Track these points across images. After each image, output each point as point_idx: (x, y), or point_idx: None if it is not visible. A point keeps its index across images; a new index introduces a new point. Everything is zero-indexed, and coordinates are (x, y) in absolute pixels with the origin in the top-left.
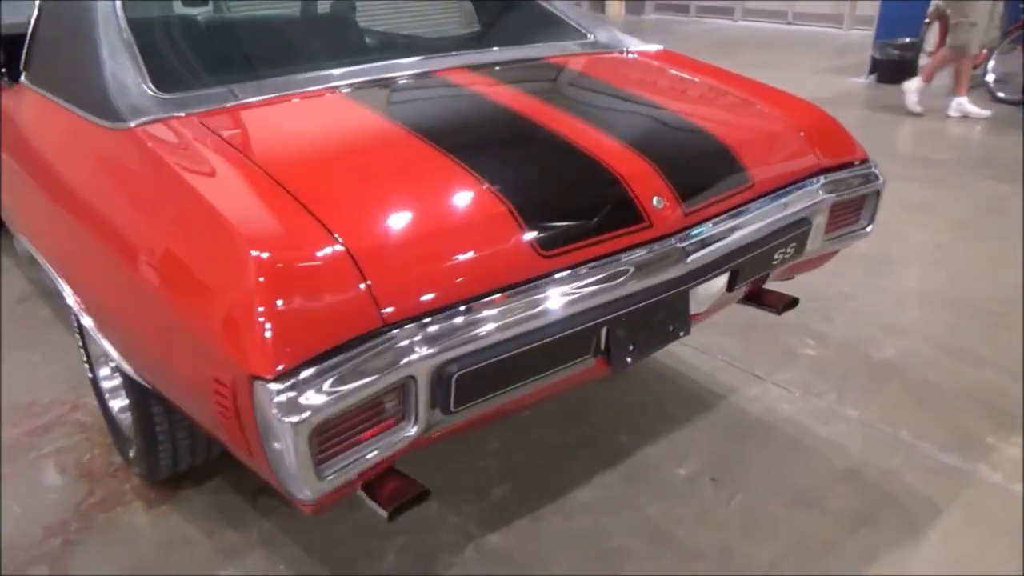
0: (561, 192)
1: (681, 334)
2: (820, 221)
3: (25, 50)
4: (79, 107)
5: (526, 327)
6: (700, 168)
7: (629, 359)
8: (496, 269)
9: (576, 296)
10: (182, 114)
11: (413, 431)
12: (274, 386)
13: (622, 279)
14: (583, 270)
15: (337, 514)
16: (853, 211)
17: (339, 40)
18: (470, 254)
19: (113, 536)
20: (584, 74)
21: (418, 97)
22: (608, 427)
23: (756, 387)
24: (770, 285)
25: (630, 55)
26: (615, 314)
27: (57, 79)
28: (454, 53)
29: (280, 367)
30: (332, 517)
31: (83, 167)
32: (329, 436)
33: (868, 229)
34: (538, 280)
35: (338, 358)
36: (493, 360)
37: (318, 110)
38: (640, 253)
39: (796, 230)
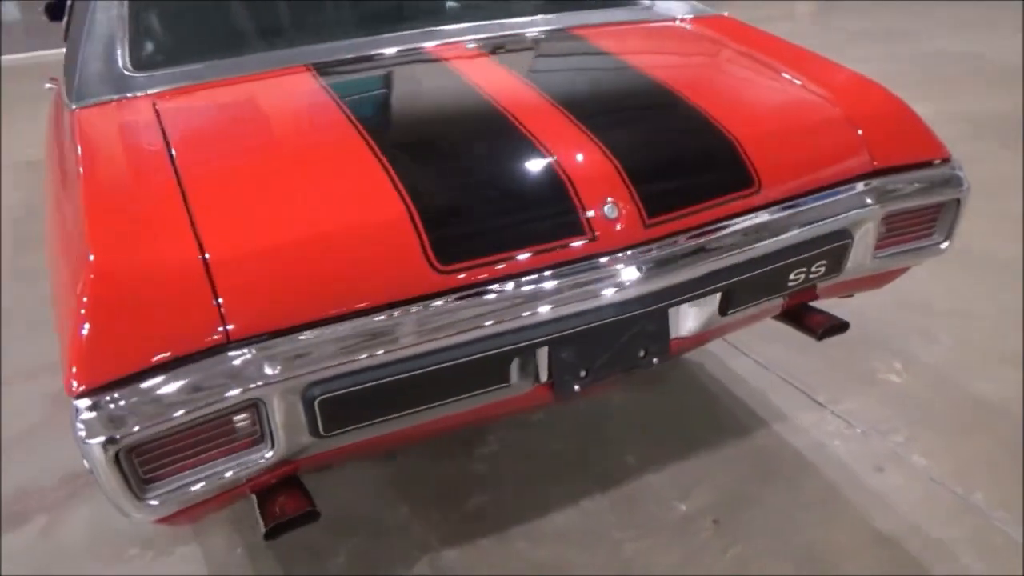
0: (484, 195)
1: (655, 361)
2: (868, 234)
3: None
4: (64, 89)
5: (408, 351)
6: (683, 169)
7: (578, 386)
8: (377, 284)
9: (474, 320)
10: (140, 94)
11: (270, 455)
12: (80, 403)
13: (541, 302)
14: (489, 289)
15: None
16: (921, 222)
17: (347, 8)
18: (350, 265)
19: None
20: (598, 49)
21: (388, 78)
22: (617, 442)
23: (811, 415)
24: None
25: (681, 23)
26: (539, 338)
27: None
28: (460, 24)
29: (84, 386)
30: None
31: (51, 152)
32: (156, 457)
33: (943, 246)
34: (429, 299)
35: (162, 377)
36: (366, 386)
37: (277, 91)
38: (573, 271)
39: (826, 245)
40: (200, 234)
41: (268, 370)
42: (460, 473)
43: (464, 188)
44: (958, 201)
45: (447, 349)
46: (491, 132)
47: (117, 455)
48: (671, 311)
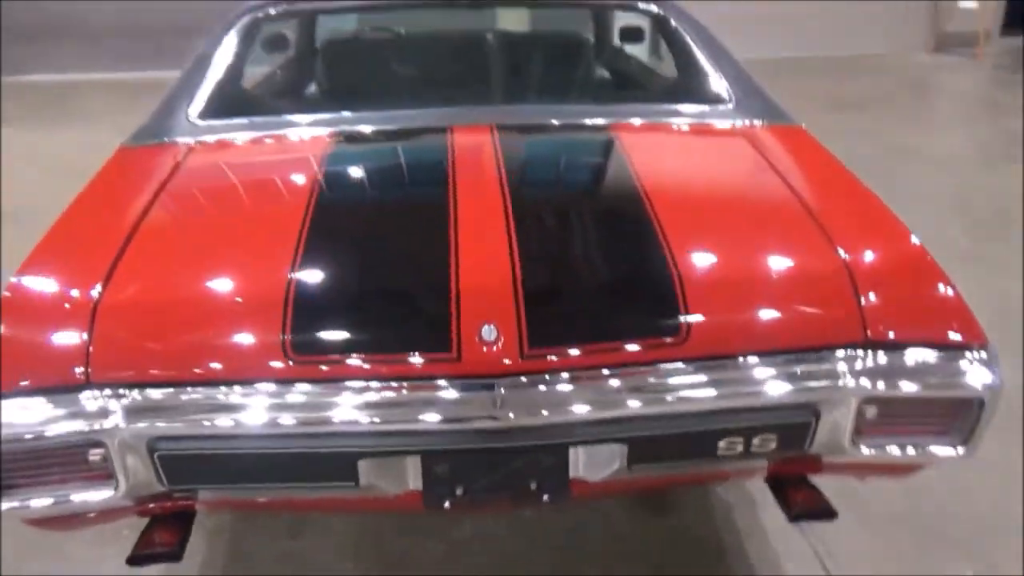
0: (362, 291)
1: (545, 497)
2: (843, 416)
3: None
4: None
5: (249, 430)
6: (597, 300)
7: (448, 503)
8: (233, 360)
9: (316, 413)
10: (176, 140)
11: (112, 493)
12: None
13: (391, 411)
14: (340, 387)
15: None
16: (930, 416)
17: (431, 75)
18: (214, 337)
19: None
20: (617, 147)
21: (387, 152)
22: (593, 560)
23: None
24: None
25: (751, 128)
26: (371, 447)
27: None
28: (504, 107)
29: None
30: None
31: None
32: (14, 468)
33: (958, 451)
34: (280, 384)
35: (23, 399)
36: (205, 452)
37: (286, 153)
38: (431, 389)
39: (772, 419)
40: (110, 282)
41: (117, 418)
42: (420, 542)
43: (347, 280)
44: (981, 401)
45: (287, 436)
46: (422, 224)
47: None
48: (572, 453)
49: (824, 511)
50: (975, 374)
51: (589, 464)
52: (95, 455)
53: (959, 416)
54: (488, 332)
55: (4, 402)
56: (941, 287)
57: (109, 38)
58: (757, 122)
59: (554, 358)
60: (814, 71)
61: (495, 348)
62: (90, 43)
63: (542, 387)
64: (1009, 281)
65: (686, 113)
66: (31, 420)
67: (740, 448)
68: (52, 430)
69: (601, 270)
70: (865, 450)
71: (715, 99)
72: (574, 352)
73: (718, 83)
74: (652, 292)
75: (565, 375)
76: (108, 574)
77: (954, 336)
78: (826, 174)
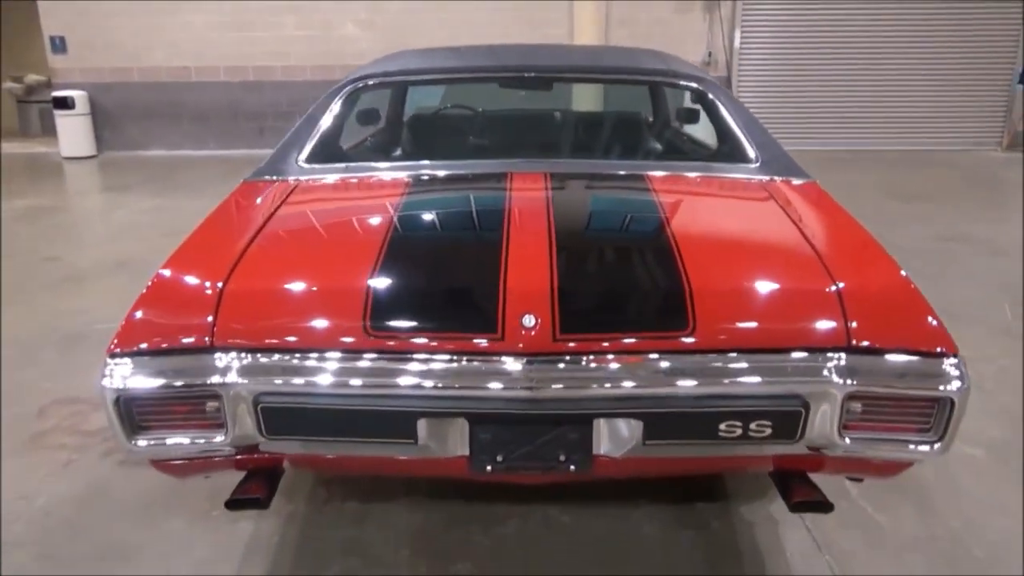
0: (429, 288)
1: (571, 468)
2: (830, 411)
3: None
4: None
5: (331, 390)
6: (618, 302)
7: (490, 467)
8: (324, 334)
9: (387, 378)
10: (287, 178)
11: (221, 439)
12: (109, 359)
13: (437, 379)
14: (406, 357)
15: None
16: (910, 415)
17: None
18: (308, 317)
19: None
20: (649, 190)
21: (455, 189)
22: (604, 565)
23: None
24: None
25: (770, 183)
26: (428, 408)
27: None
28: (557, 160)
29: (117, 347)
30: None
31: None
32: (145, 411)
33: (935, 447)
34: (359, 353)
35: (161, 357)
36: (297, 405)
37: (373, 189)
38: (475, 361)
39: (765, 406)
40: (233, 273)
41: (232, 375)
42: (467, 536)
43: (415, 279)
44: (952, 401)
45: (361, 396)
46: (479, 239)
47: (118, 400)
48: (596, 428)
49: (821, 504)
50: (946, 377)
51: (610, 440)
52: (212, 406)
53: (932, 415)
54: (528, 319)
55: (146, 359)
56: (919, 309)
57: (217, 119)
58: (777, 178)
59: (581, 343)
60: (888, 163)
61: (532, 332)
62: (200, 123)
63: (570, 365)
64: None
65: (715, 169)
66: (165, 374)
67: (739, 431)
68: (182, 382)
69: (624, 279)
70: (852, 442)
71: (743, 158)
72: (598, 339)
73: (746, 145)
74: (666, 296)
75: (589, 357)
76: (175, 573)
77: (927, 346)
78: (832, 219)
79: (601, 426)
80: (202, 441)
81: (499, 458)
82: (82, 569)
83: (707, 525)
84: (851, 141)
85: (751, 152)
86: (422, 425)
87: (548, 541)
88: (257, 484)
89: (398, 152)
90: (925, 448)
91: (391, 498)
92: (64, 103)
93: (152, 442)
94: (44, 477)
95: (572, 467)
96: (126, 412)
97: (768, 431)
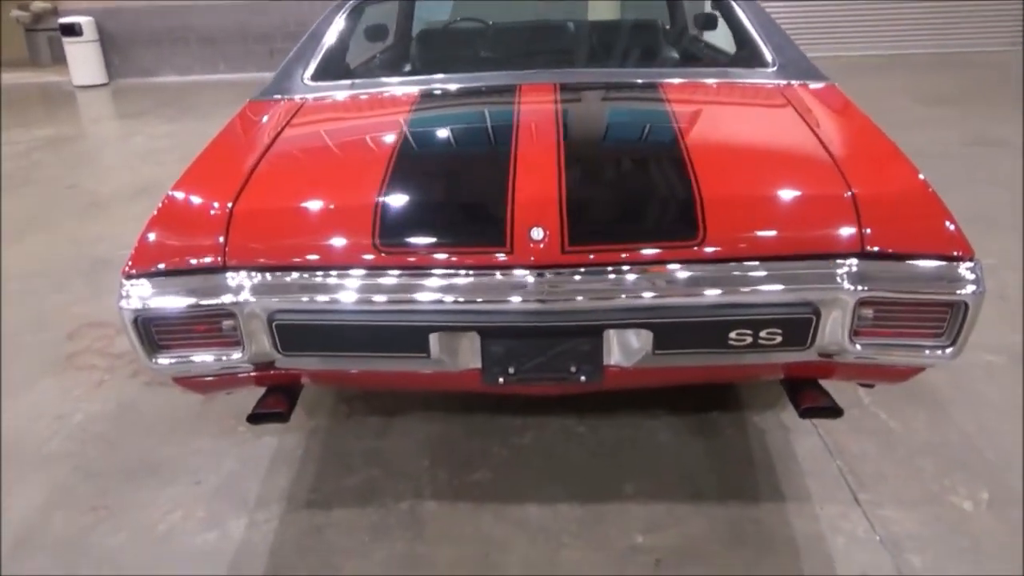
0: (438, 203)
1: (582, 379)
2: (842, 316)
3: None
4: None
5: (345, 305)
6: (626, 212)
7: (503, 379)
8: (334, 252)
9: (397, 294)
10: (293, 96)
11: (238, 356)
12: (125, 280)
13: (448, 293)
14: (416, 273)
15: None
16: (922, 320)
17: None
18: (318, 235)
19: None
20: (663, 99)
21: (465, 102)
22: (629, 468)
23: (839, 508)
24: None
25: (788, 87)
26: (439, 323)
27: None
28: (569, 70)
29: (132, 269)
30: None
31: None
32: (163, 331)
33: (947, 351)
34: (369, 269)
35: (175, 277)
36: (310, 322)
37: (382, 104)
38: (486, 274)
39: (776, 313)
40: (242, 194)
41: (246, 293)
42: (486, 446)
43: (424, 193)
44: (965, 304)
45: (373, 312)
46: (488, 152)
47: (136, 321)
48: (606, 339)
49: (830, 409)
50: (960, 281)
51: (621, 351)
52: (228, 324)
53: (946, 319)
54: (536, 232)
55: (160, 279)
56: (935, 213)
57: (226, 42)
58: (795, 82)
59: (590, 254)
60: (912, 66)
61: (541, 244)
62: (209, 47)
63: (578, 277)
64: None
65: (732, 75)
66: (180, 294)
67: (749, 339)
68: (197, 301)
69: (634, 189)
70: (863, 348)
71: (760, 63)
72: (607, 250)
73: (763, 50)
74: (675, 205)
75: (598, 268)
76: (155, 574)
77: (942, 249)
78: (850, 124)
79: (611, 337)
80: (220, 358)
81: (511, 370)
82: (118, 480)
83: (721, 433)
84: (874, 45)
85: (769, 56)
86: (434, 339)
87: (564, 449)
88: (277, 399)
89: (407, 68)
90: (938, 353)
91: (411, 412)
92: (71, 30)
93: (172, 360)
94: (79, 396)
95: (583, 378)
96: (145, 332)
97: (778, 339)
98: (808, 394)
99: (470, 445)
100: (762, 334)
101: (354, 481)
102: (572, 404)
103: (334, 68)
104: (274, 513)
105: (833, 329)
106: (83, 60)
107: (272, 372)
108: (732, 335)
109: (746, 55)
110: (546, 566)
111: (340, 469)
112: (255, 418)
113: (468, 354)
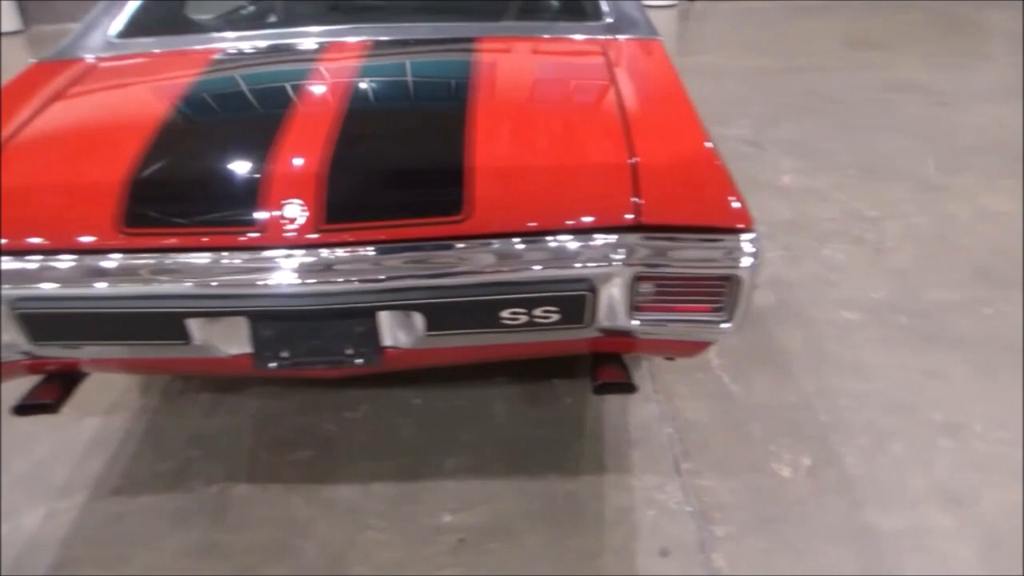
0: (194, 179)
1: (359, 361)
2: (619, 293)
3: None
4: None
5: (85, 292)
6: (388, 187)
7: (274, 364)
8: (73, 235)
9: (142, 280)
10: (85, 56)
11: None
12: None
13: (210, 276)
14: (157, 256)
15: None
16: (701, 294)
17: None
18: (58, 217)
19: None
20: (469, 60)
21: (257, 64)
22: (454, 444)
23: (656, 479)
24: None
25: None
26: (195, 308)
27: None
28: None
29: None
30: None
31: None
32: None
33: (724, 326)
34: (111, 254)
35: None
36: (53, 312)
37: (170, 69)
38: (242, 256)
39: (547, 291)
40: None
41: None
42: (315, 422)
43: (177, 169)
44: (739, 279)
45: (116, 299)
46: (257, 120)
47: None
48: (380, 320)
49: (624, 385)
50: (734, 254)
51: (395, 332)
52: None
53: (722, 293)
54: (289, 210)
55: None
56: (717, 183)
57: None
58: (621, 37)
59: (347, 233)
60: (858, 9)
61: (294, 222)
62: None
63: (338, 257)
64: (958, 206)
65: (559, 28)
66: None
67: (524, 318)
68: None
69: (402, 162)
70: (642, 324)
71: (592, 16)
72: (364, 227)
73: (601, 2)
74: (440, 179)
75: (358, 248)
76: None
77: (720, 222)
78: (656, 84)
79: (383, 318)
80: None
81: (283, 354)
82: None
83: (559, 401)
84: None
85: (599, 8)
86: (194, 325)
87: (395, 424)
88: (48, 388)
89: (224, 23)
90: (716, 327)
91: (245, 389)
92: None
93: None
94: None
95: (360, 360)
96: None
97: (555, 316)
98: (604, 369)
99: (298, 422)
100: (537, 312)
101: (169, 465)
102: (410, 376)
103: (146, 22)
104: (76, 502)
105: (610, 305)
106: None
107: (42, 360)
108: (505, 314)
109: (580, 7)
110: (344, 549)
111: (158, 452)
112: (21, 409)
113: (237, 338)
